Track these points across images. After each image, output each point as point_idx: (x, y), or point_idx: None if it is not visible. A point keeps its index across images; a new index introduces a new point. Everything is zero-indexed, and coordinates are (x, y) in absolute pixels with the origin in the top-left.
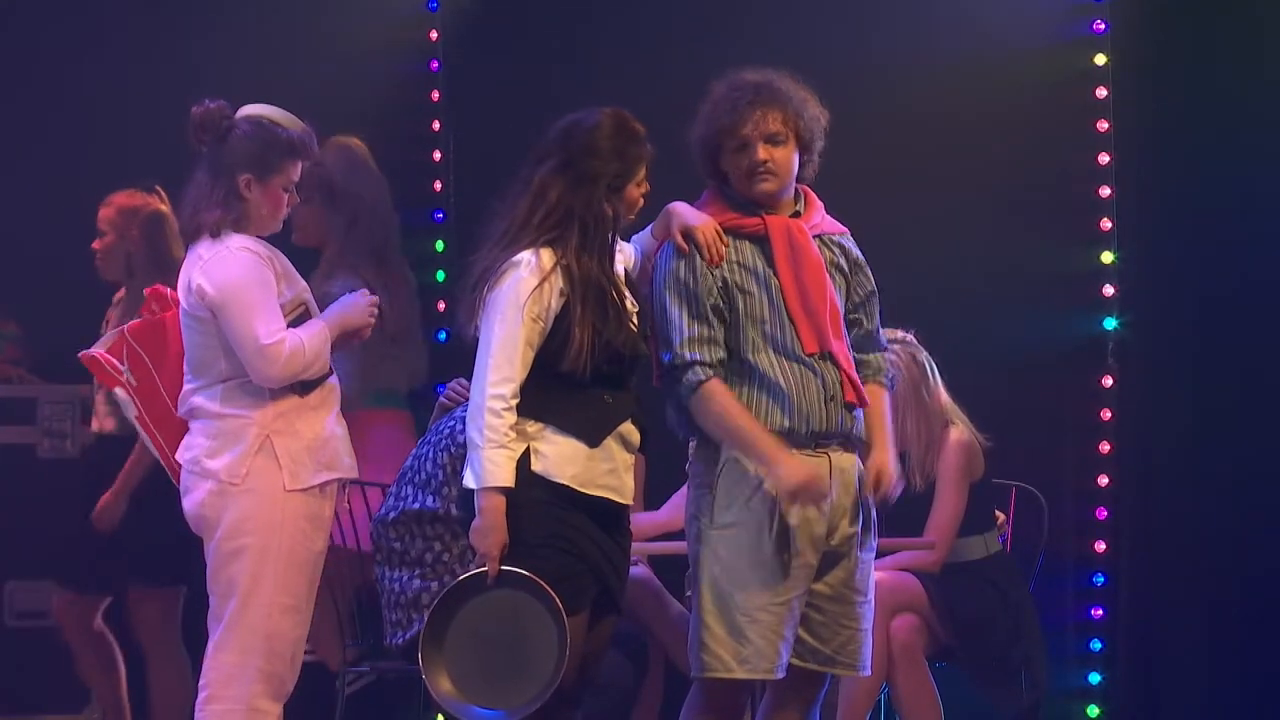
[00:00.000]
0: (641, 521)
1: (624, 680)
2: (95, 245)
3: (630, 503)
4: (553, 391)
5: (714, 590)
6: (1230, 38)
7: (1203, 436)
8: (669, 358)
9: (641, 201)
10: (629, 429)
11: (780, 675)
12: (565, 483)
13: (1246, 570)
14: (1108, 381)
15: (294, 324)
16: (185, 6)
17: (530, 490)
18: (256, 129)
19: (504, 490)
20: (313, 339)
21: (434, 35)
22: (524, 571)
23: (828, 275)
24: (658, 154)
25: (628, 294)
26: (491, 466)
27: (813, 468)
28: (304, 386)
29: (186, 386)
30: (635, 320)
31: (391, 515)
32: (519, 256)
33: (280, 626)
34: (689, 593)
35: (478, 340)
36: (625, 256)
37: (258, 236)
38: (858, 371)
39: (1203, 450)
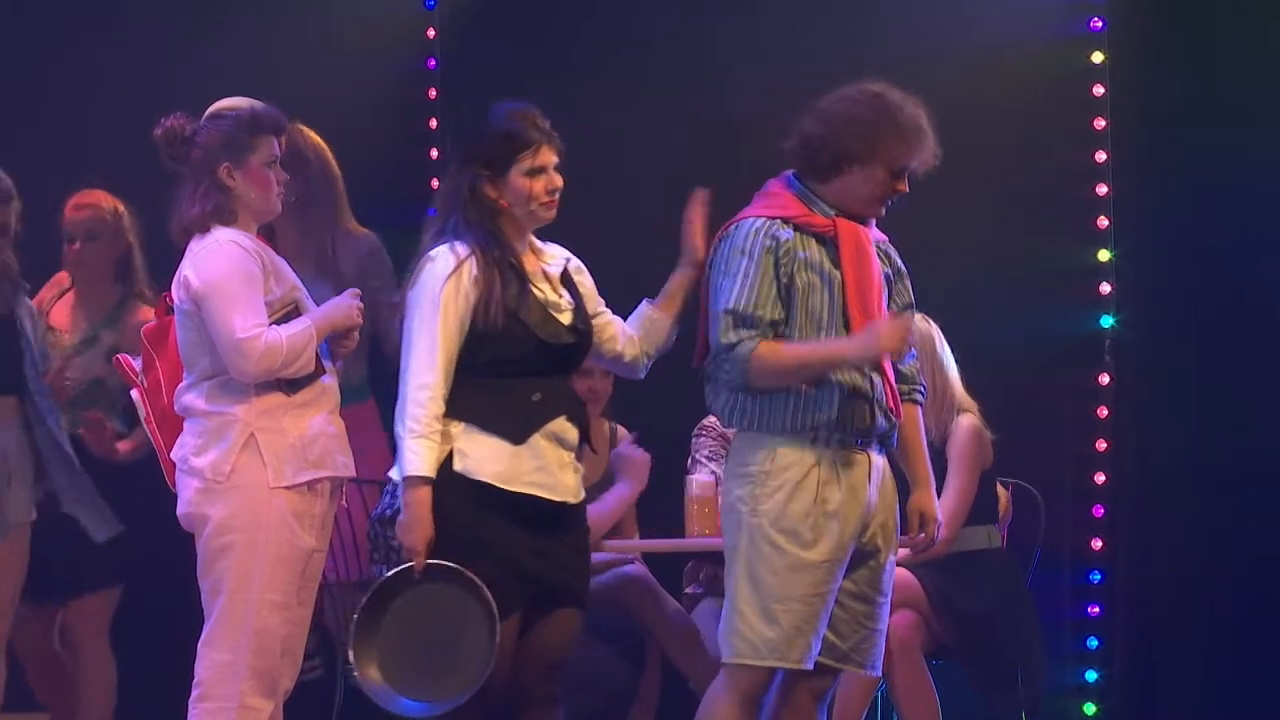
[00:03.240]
0: (610, 506)
1: (621, 677)
2: (74, 248)
3: (573, 500)
4: (477, 388)
5: (751, 577)
6: (1227, 35)
7: (1200, 434)
8: (717, 336)
9: (544, 196)
10: (562, 426)
11: (809, 666)
12: (488, 480)
13: (1243, 568)
14: (1104, 379)
15: (283, 322)
16: (181, 4)
17: (452, 490)
18: (216, 120)
19: (429, 484)
20: (294, 337)
21: (431, 33)
22: (456, 566)
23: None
24: (651, 152)
25: (562, 290)
26: (413, 456)
27: (887, 321)
28: (291, 385)
29: (180, 385)
30: (569, 316)
31: (389, 513)
32: (434, 251)
33: (269, 623)
34: (689, 589)
35: None
36: (563, 259)
37: (258, 224)
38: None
39: (1200, 448)
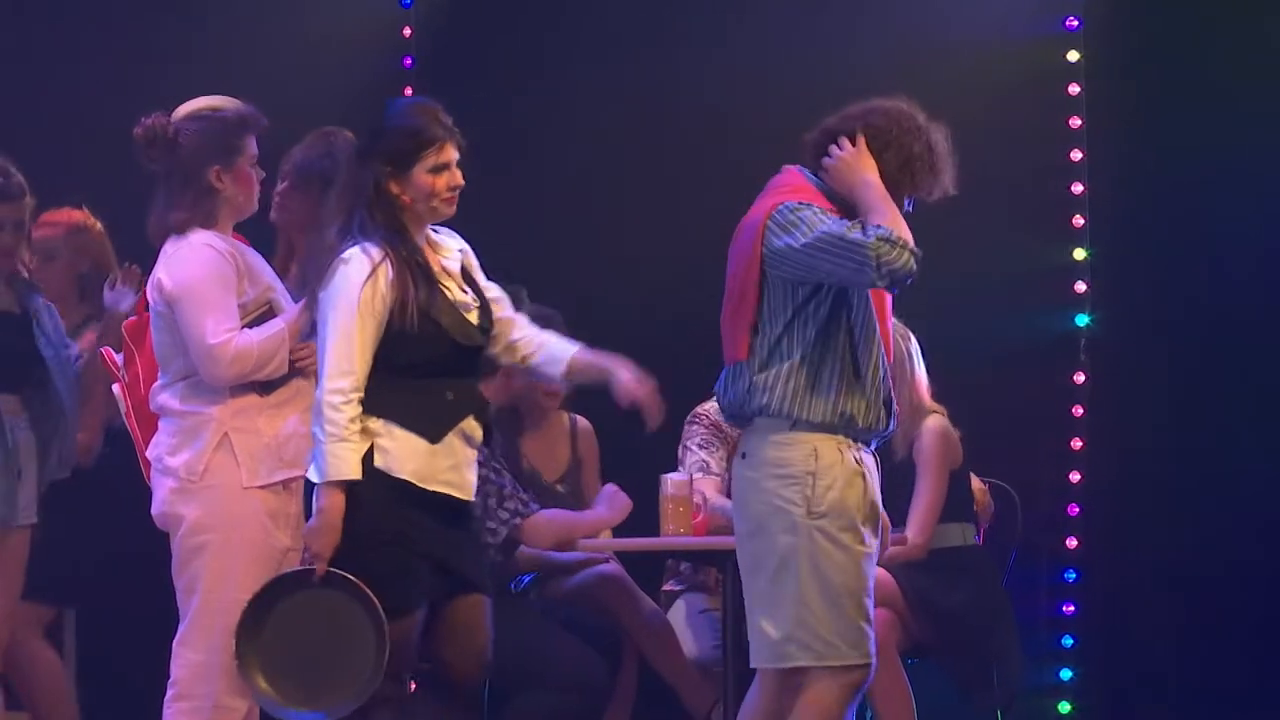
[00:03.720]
0: (586, 519)
1: (598, 676)
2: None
3: (472, 499)
4: (395, 388)
5: (819, 578)
6: (1202, 34)
7: (1175, 432)
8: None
9: (446, 193)
10: (471, 425)
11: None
12: (406, 478)
13: (1218, 566)
14: (1080, 378)
15: (257, 323)
16: (153, 3)
17: (372, 486)
18: (205, 121)
19: (346, 486)
20: (266, 340)
21: (408, 32)
22: (345, 574)
23: None
24: (627, 151)
25: (466, 288)
26: (333, 460)
27: None
28: (265, 385)
29: (155, 384)
30: (476, 315)
31: None
32: (348, 253)
33: None
34: (668, 585)
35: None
36: (458, 252)
37: (235, 222)
38: None
39: (1175, 446)
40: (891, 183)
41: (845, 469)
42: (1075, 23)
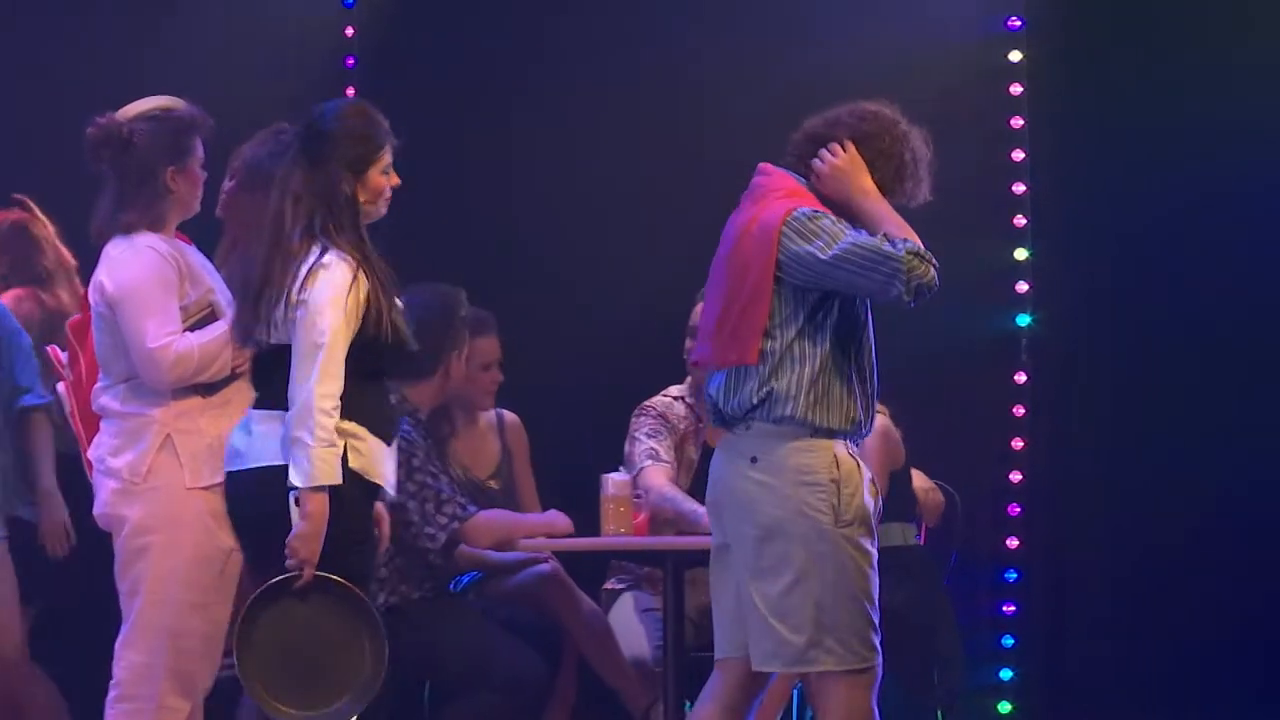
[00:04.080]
0: (528, 520)
1: (537, 676)
2: None
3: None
4: (362, 391)
5: (845, 584)
6: (1144, 35)
7: (1115, 433)
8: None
9: (388, 193)
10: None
11: None
12: (378, 481)
13: (1159, 567)
14: (1021, 378)
15: (198, 325)
16: (95, 3)
17: (350, 488)
18: (159, 122)
19: (328, 490)
20: (208, 344)
21: (350, 31)
22: (334, 577)
23: None
24: (568, 150)
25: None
26: (322, 465)
27: None
28: (207, 387)
29: (97, 385)
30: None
31: None
32: (326, 258)
33: (188, 624)
34: (610, 583)
35: (266, 345)
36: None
37: (179, 222)
38: None
39: (1116, 446)
40: (884, 190)
41: (859, 474)
42: (1018, 23)
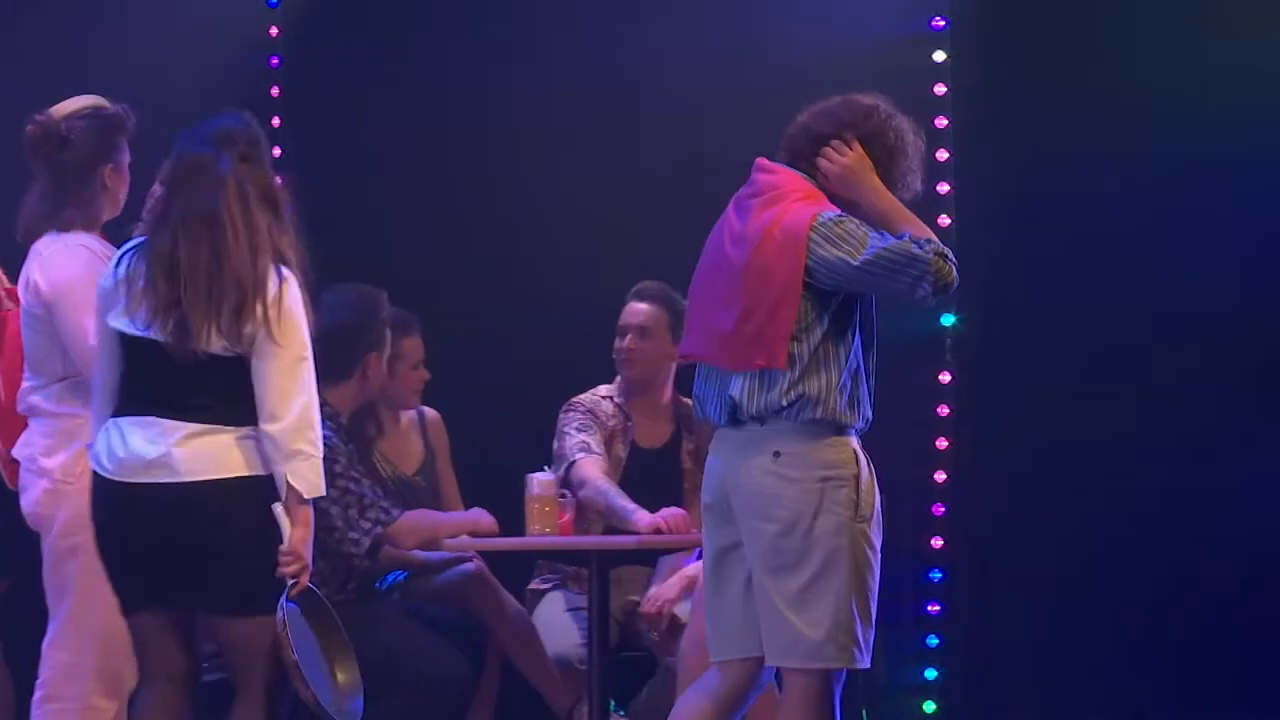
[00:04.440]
0: (453, 519)
1: (461, 675)
2: None
3: None
4: None
5: (859, 582)
6: (1069, 35)
7: (1040, 432)
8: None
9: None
10: None
11: None
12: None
13: (1083, 566)
14: (945, 377)
15: None
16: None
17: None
18: (95, 120)
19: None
20: None
21: (274, 31)
22: (313, 587)
23: None
24: (493, 151)
25: None
26: (319, 476)
27: None
28: None
29: (25, 384)
30: None
31: None
32: (284, 270)
33: (116, 624)
34: (535, 583)
35: (204, 354)
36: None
37: (105, 222)
38: None
39: (1040, 445)
40: (889, 186)
41: (871, 471)
42: (941, 23)
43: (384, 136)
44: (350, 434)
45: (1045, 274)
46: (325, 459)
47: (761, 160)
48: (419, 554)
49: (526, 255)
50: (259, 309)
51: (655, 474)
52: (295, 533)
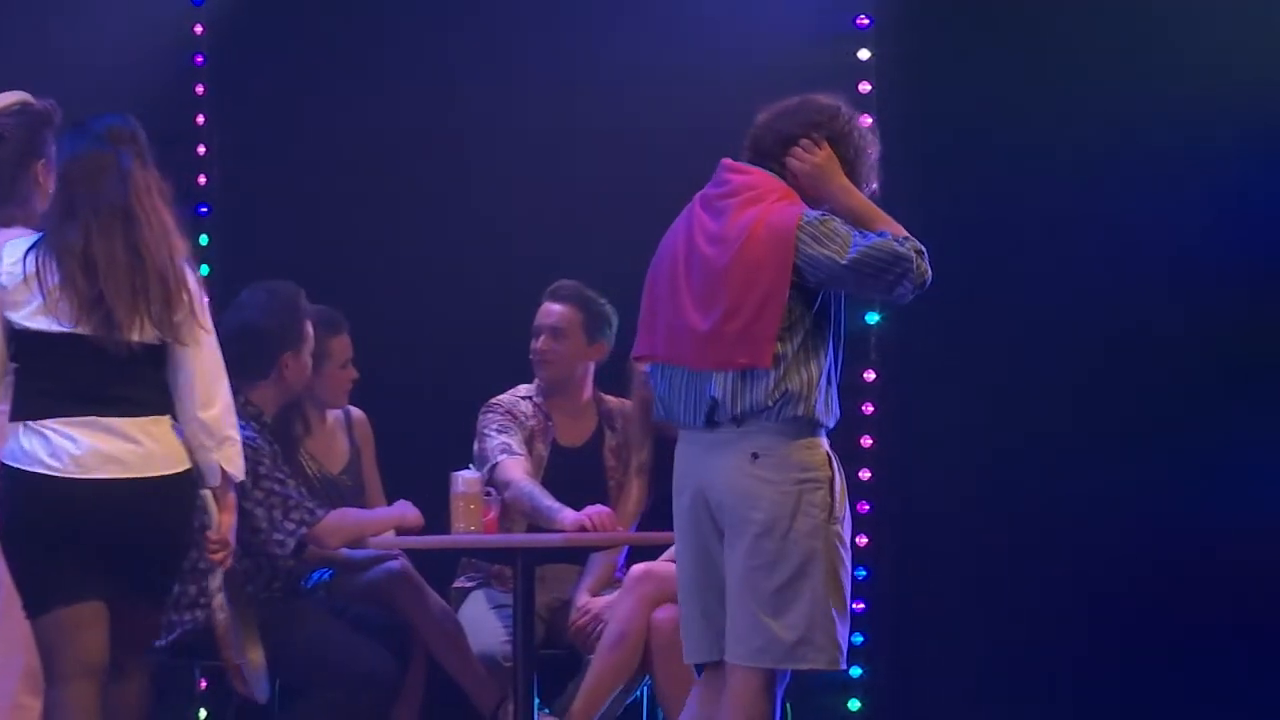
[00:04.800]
0: (378, 516)
1: (386, 674)
2: None
3: None
4: None
5: (836, 583)
6: (994, 34)
7: (963, 430)
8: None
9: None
10: None
11: None
12: None
13: (1006, 564)
14: (870, 376)
15: None
16: None
17: None
18: (25, 117)
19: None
20: None
21: (199, 29)
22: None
23: None
24: (419, 151)
25: None
26: (243, 459)
27: None
28: None
29: None
30: None
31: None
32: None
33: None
34: (459, 582)
35: (137, 346)
36: None
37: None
38: None
39: (965, 444)
40: (855, 185)
41: (842, 474)
42: (866, 21)
43: (308, 136)
44: (275, 433)
45: (969, 271)
46: (249, 459)
47: (728, 161)
48: (344, 552)
49: (450, 255)
50: (185, 297)
51: (578, 472)
52: (224, 518)
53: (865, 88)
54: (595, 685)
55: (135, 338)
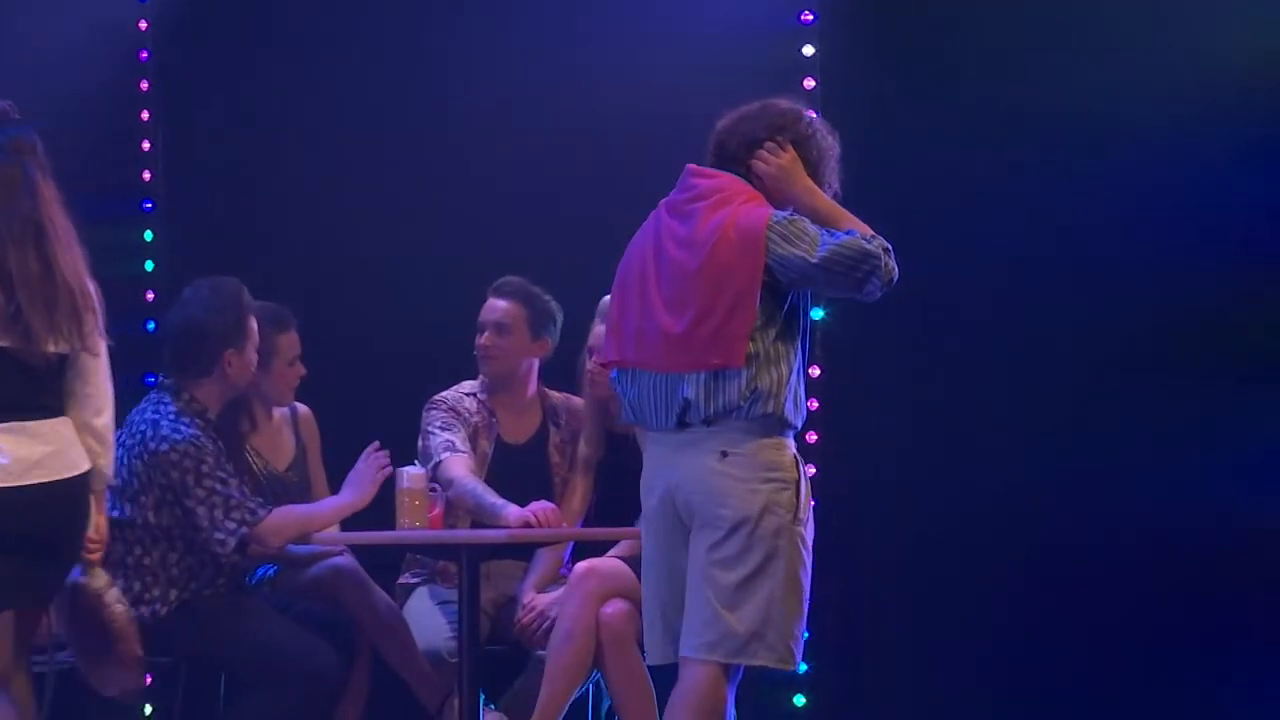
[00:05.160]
0: (323, 510)
1: (331, 669)
2: None
3: None
4: None
5: (796, 583)
6: (937, 29)
7: (909, 428)
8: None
9: None
10: None
11: None
12: None
13: (950, 561)
14: (815, 371)
15: None
16: None
17: None
18: None
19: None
20: None
21: (144, 25)
22: None
23: None
24: (362, 146)
25: None
26: None
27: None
28: None
29: None
30: None
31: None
32: None
33: None
34: (404, 578)
35: (53, 354)
36: None
37: None
38: None
39: (908, 439)
40: (819, 186)
41: (806, 478)
42: (810, 17)
43: (253, 131)
44: (220, 430)
45: (913, 267)
46: (192, 457)
47: (693, 166)
48: (289, 548)
49: (395, 251)
50: (92, 307)
51: (522, 469)
52: (101, 519)
53: (810, 83)
54: (552, 690)
55: (51, 349)
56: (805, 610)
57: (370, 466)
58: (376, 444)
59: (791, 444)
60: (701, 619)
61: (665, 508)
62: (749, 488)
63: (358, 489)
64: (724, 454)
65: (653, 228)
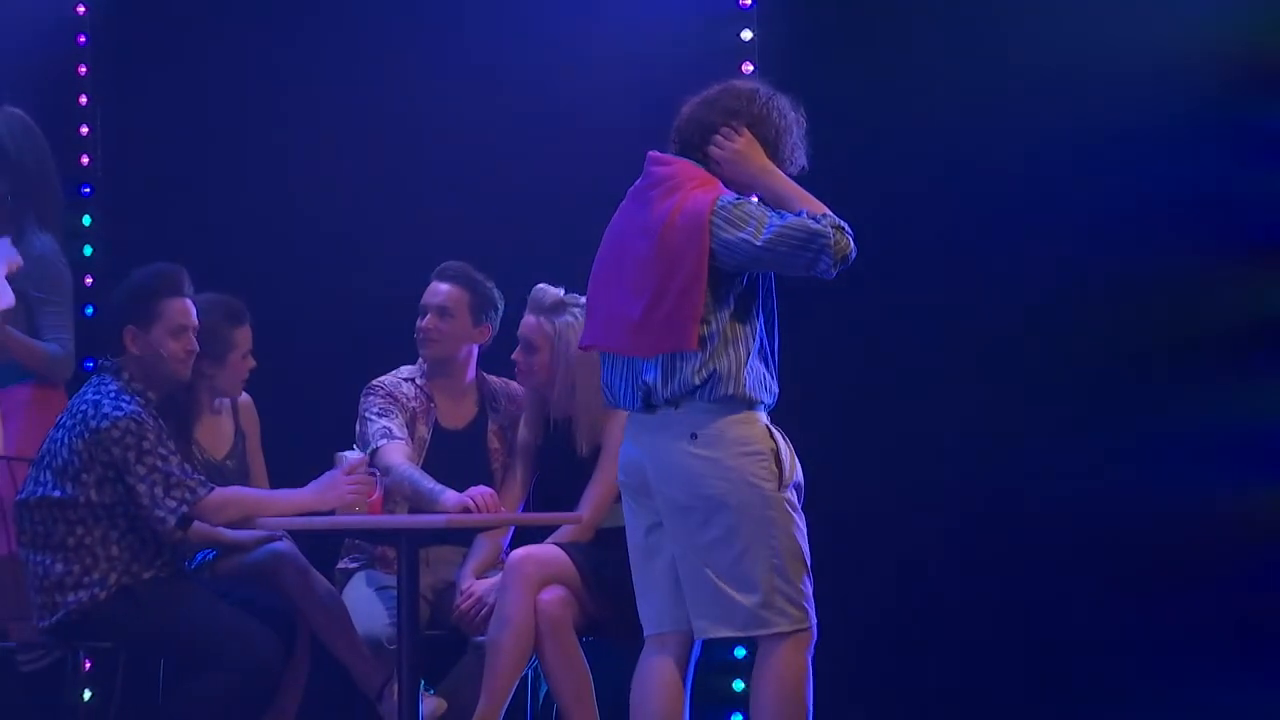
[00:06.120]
0: (279, 499)
1: (271, 655)
2: None
3: None
4: None
5: (792, 547)
6: (877, 14)
7: (860, 428)
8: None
9: None
10: None
11: None
12: None
13: (894, 554)
14: None
15: None
16: None
17: None
18: None
19: None
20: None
21: (81, 9)
22: None
23: None
24: (305, 132)
25: None
26: None
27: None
28: None
29: None
30: None
31: (32, 499)
32: None
33: None
34: (343, 563)
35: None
36: None
37: None
38: None
39: (866, 426)
40: (779, 165)
41: (788, 444)
42: (748, 2)
43: (192, 116)
44: (164, 412)
45: (866, 260)
46: (134, 434)
47: (654, 154)
48: (228, 533)
49: (334, 234)
50: None
51: (460, 454)
52: None
53: (748, 68)
54: (495, 680)
55: None
56: (808, 568)
57: (350, 484)
58: (369, 466)
59: (763, 416)
60: (705, 597)
61: (640, 486)
62: (723, 466)
63: (323, 494)
64: (693, 436)
65: (621, 215)
